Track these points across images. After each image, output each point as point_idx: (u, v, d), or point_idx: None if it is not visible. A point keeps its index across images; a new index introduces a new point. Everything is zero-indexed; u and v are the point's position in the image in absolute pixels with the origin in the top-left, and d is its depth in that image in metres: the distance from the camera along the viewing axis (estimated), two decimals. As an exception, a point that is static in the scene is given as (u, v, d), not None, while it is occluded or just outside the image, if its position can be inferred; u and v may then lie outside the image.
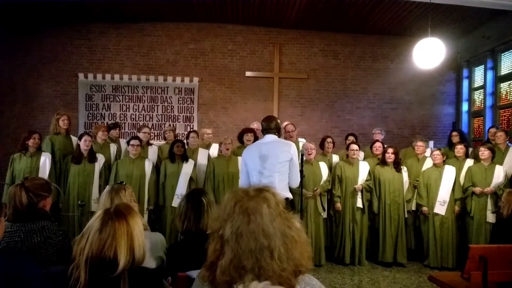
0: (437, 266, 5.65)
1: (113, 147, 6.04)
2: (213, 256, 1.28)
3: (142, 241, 1.54)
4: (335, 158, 6.28)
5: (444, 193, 5.72)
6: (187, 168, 5.69)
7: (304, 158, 5.43)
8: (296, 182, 3.95)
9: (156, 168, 5.86)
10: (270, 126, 3.99)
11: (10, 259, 2.00)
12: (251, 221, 1.23)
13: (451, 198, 5.71)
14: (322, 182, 5.77)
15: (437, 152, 5.86)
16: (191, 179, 5.68)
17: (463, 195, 5.73)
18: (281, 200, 1.33)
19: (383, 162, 5.95)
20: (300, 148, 5.80)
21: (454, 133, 6.67)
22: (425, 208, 5.80)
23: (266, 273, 1.20)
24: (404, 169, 5.98)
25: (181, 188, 5.56)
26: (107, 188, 2.51)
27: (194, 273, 2.06)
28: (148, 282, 1.54)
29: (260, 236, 1.22)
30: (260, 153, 3.81)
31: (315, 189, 5.63)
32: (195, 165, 5.82)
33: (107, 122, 7.98)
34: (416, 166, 6.15)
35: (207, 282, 1.29)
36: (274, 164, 3.76)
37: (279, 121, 4.18)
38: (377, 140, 6.40)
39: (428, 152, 6.37)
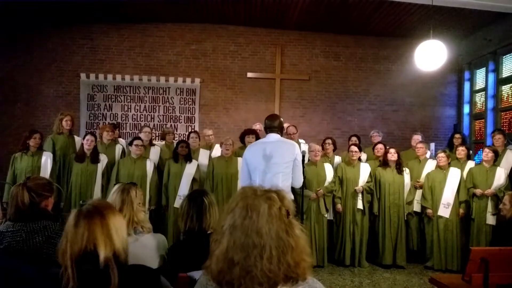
0: (441, 268, 5.64)
1: (118, 148, 6.05)
2: (213, 247, 1.32)
3: (121, 232, 1.53)
4: (337, 159, 6.28)
5: (448, 195, 5.69)
6: (190, 169, 5.70)
7: (308, 159, 5.44)
8: (299, 183, 3.91)
9: (158, 168, 5.86)
10: (273, 124, 3.93)
11: (11, 259, 2.01)
12: (247, 217, 1.27)
13: (455, 201, 5.69)
14: (326, 183, 5.77)
15: (442, 154, 5.84)
16: (194, 179, 5.70)
17: (468, 197, 5.72)
18: (287, 205, 1.33)
19: (384, 163, 5.94)
20: (302, 149, 5.80)
21: (457, 135, 6.67)
22: (429, 211, 5.77)
23: (253, 270, 1.22)
24: (406, 171, 5.97)
25: (184, 188, 5.56)
26: (118, 186, 2.45)
27: (195, 274, 2.06)
28: (145, 280, 1.54)
29: (253, 233, 1.24)
30: (264, 152, 3.75)
31: (318, 189, 5.62)
32: (198, 165, 5.83)
33: (108, 122, 8.00)
34: (417, 167, 6.14)
35: (210, 275, 1.32)
36: (278, 164, 3.71)
37: (282, 119, 4.12)
38: (379, 142, 6.40)
39: (429, 154, 6.38)
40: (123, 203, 2.34)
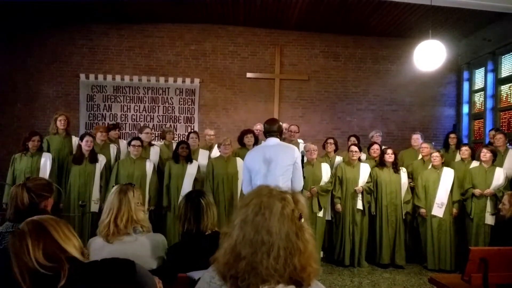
0: (434, 268, 5.65)
1: (112, 148, 6.03)
2: (223, 239, 1.34)
3: (66, 236, 1.55)
4: (338, 159, 6.28)
5: (442, 195, 5.72)
6: (191, 169, 5.71)
7: (305, 159, 5.45)
8: (299, 186, 3.89)
9: (158, 168, 5.86)
10: (273, 128, 3.94)
11: (10, 260, 2.00)
12: (259, 214, 1.27)
13: (449, 200, 5.71)
14: (322, 183, 5.77)
15: (436, 154, 5.86)
16: (195, 179, 5.71)
17: (461, 197, 5.74)
18: (301, 208, 1.34)
19: (381, 163, 5.95)
20: (301, 149, 5.81)
21: (452, 135, 6.70)
22: (423, 210, 5.80)
23: (259, 267, 1.22)
24: (402, 170, 5.98)
25: (187, 189, 5.53)
26: (115, 188, 2.47)
27: (194, 274, 2.07)
28: (117, 271, 1.54)
29: (263, 230, 1.25)
30: (264, 156, 3.77)
31: (312, 187, 5.62)
32: (198, 165, 5.84)
33: (108, 123, 7.99)
34: (421, 168, 6.13)
35: (218, 273, 1.33)
36: (278, 167, 3.73)
37: (281, 123, 4.13)
38: (375, 142, 6.41)
39: None
40: (121, 203, 2.35)
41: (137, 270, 1.54)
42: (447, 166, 5.95)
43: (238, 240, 1.26)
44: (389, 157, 5.88)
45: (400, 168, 5.98)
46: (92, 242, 2.35)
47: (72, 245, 1.53)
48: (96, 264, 1.56)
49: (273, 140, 3.93)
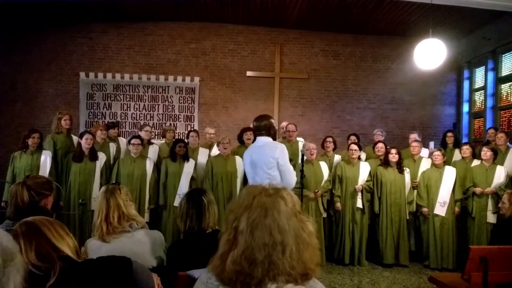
0: (437, 267, 5.65)
1: (112, 147, 6.04)
2: (225, 247, 1.30)
3: (59, 235, 1.54)
4: (337, 158, 6.28)
5: (444, 194, 5.71)
6: (188, 168, 5.69)
7: (305, 158, 5.44)
8: (289, 184, 3.66)
9: (157, 167, 5.86)
10: (260, 126, 3.76)
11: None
12: (268, 215, 1.26)
13: (451, 199, 5.71)
14: (323, 182, 5.77)
15: (438, 152, 5.85)
16: (192, 178, 5.70)
17: (463, 196, 5.74)
18: (297, 201, 1.35)
19: (385, 163, 5.94)
20: (301, 148, 5.80)
21: (449, 134, 6.69)
22: (425, 209, 5.79)
23: (276, 268, 1.22)
24: (407, 170, 5.97)
25: (184, 187, 5.55)
26: (102, 189, 2.50)
27: (195, 272, 2.06)
28: (114, 269, 1.53)
29: (275, 231, 1.24)
30: (251, 159, 3.72)
31: (316, 190, 5.62)
32: (195, 164, 5.83)
33: (107, 121, 7.98)
34: (412, 166, 6.13)
35: (215, 275, 1.31)
36: (262, 169, 3.63)
37: (272, 120, 3.85)
38: (379, 141, 6.40)
39: (424, 153, 6.37)
40: (108, 202, 2.36)
41: (134, 268, 1.53)
42: (446, 165, 5.95)
43: (251, 245, 1.24)
44: (393, 156, 5.87)
45: (405, 168, 5.97)
46: (88, 243, 2.35)
47: (66, 245, 1.53)
48: (91, 263, 1.55)
49: (261, 140, 3.76)
